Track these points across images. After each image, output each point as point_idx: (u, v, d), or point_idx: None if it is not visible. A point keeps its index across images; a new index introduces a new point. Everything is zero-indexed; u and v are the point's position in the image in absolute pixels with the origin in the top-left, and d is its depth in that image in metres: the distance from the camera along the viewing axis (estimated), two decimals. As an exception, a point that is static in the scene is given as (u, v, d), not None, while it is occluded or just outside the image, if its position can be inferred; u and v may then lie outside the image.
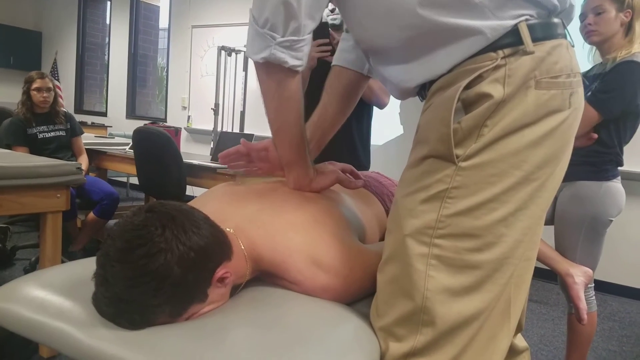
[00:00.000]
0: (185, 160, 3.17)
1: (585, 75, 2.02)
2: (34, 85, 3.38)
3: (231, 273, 0.88)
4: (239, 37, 5.77)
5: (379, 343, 0.91)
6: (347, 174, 1.29)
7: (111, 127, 7.20)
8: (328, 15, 2.12)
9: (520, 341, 1.19)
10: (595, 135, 1.94)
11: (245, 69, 5.47)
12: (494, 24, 0.85)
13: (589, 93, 1.90)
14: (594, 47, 2.05)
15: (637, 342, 3.04)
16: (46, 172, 2.04)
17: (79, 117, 5.62)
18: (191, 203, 1.09)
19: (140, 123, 3.89)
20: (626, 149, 2.01)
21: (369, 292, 1.06)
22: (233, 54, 5.45)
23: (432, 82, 0.93)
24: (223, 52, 5.34)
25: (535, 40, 0.84)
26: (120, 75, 7.36)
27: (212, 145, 5.18)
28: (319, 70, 1.98)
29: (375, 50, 1.02)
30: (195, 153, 4.86)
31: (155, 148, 3.10)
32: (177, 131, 4.01)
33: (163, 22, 7.52)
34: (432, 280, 0.85)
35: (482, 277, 0.85)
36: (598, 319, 3.27)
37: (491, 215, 0.84)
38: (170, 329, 0.81)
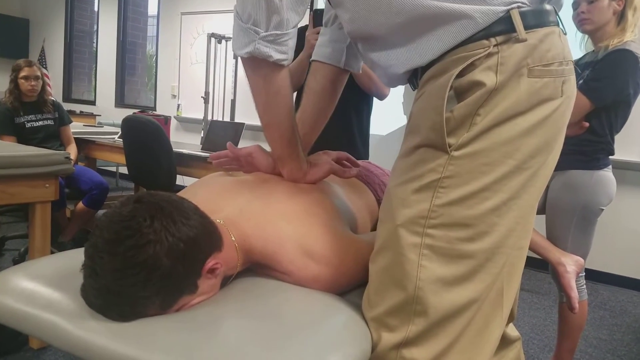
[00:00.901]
0: (175, 149, 3.15)
1: (577, 63, 2.02)
2: (22, 74, 3.33)
3: (221, 264, 0.88)
4: (229, 25, 5.72)
5: (371, 333, 0.91)
6: (344, 162, 1.28)
7: (100, 115, 7.14)
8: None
9: (512, 330, 1.20)
10: (587, 124, 1.94)
11: (235, 56, 5.42)
12: (484, 9, 0.84)
13: (581, 81, 1.90)
14: (586, 36, 2.05)
15: (627, 331, 3.07)
16: (34, 161, 2.02)
17: (67, 106, 5.57)
18: (181, 193, 1.08)
19: (129, 112, 3.85)
20: (617, 137, 2.02)
21: (361, 282, 1.06)
22: (223, 42, 5.41)
23: (424, 70, 0.93)
24: (213, 40, 5.30)
25: (527, 27, 0.84)
26: (109, 63, 7.29)
27: (202, 134, 5.15)
28: None
29: (365, 36, 1.01)
30: (186, 142, 4.83)
31: (145, 137, 3.07)
32: (166, 120, 3.97)
33: (152, 9, 7.44)
34: (424, 270, 0.85)
35: (475, 266, 0.85)
36: (589, 307, 3.31)
37: (484, 205, 0.84)
38: (160, 320, 0.80)
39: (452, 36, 0.86)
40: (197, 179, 1.28)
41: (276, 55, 0.96)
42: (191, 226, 0.82)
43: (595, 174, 1.96)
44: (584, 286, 2.10)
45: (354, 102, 2.26)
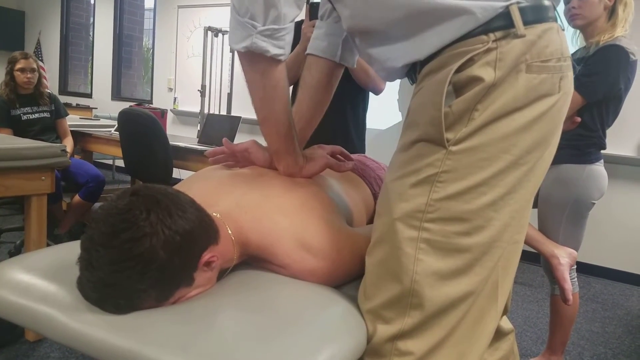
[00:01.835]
0: (171, 142, 3.14)
1: (570, 59, 2.03)
2: (18, 66, 3.32)
3: (218, 257, 0.88)
4: (225, 18, 5.70)
5: (367, 325, 0.92)
6: (338, 156, 1.29)
7: (96, 108, 7.11)
8: None
9: (506, 323, 1.21)
10: (579, 119, 1.95)
11: (232, 50, 5.41)
12: (484, 4, 0.84)
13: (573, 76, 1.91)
14: (578, 31, 2.06)
15: (619, 324, 3.10)
16: (30, 154, 2.01)
17: (63, 99, 5.55)
18: (177, 186, 1.08)
19: (125, 104, 3.86)
20: (609, 132, 2.04)
21: (357, 275, 1.06)
22: (220, 35, 5.39)
23: (422, 64, 0.93)
24: (210, 33, 5.29)
25: (526, 23, 0.84)
26: (105, 56, 7.26)
27: (199, 128, 5.15)
28: None
29: (364, 31, 1.01)
30: (182, 135, 4.83)
31: (141, 130, 3.07)
32: (163, 113, 3.97)
33: (148, 1, 7.41)
34: (421, 264, 0.86)
35: (471, 260, 0.86)
36: (581, 300, 3.34)
37: (480, 199, 0.85)
38: (157, 313, 0.81)
39: (452, 31, 0.86)
40: (193, 172, 1.28)
41: (273, 50, 0.95)
42: (187, 219, 0.83)
43: (587, 168, 1.97)
44: (576, 279, 2.12)
45: (350, 96, 2.27)
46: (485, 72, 0.83)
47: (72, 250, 0.93)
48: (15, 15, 8.01)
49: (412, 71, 0.99)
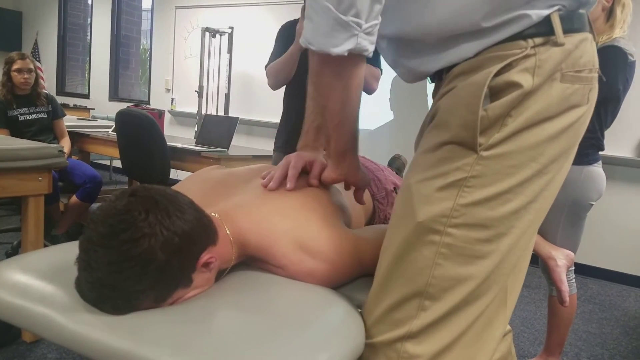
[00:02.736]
0: (169, 143, 3.14)
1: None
2: (15, 66, 3.31)
3: (216, 258, 0.88)
4: (223, 18, 5.70)
5: (374, 325, 0.92)
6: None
7: (94, 109, 7.10)
8: None
9: (503, 324, 1.21)
10: (578, 120, 1.95)
11: (229, 50, 5.42)
12: (534, 12, 0.83)
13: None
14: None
15: (616, 325, 3.10)
16: (27, 154, 2.01)
17: (60, 99, 5.53)
18: (175, 187, 1.08)
19: (123, 105, 3.85)
20: (607, 133, 2.04)
21: (356, 277, 1.06)
22: (217, 36, 5.39)
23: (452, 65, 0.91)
24: (207, 34, 5.29)
25: (565, 31, 0.83)
26: (102, 56, 7.25)
27: (196, 129, 5.15)
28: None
29: (400, 40, 0.98)
30: (180, 136, 4.82)
31: (139, 131, 3.06)
32: (160, 114, 3.96)
33: (146, 2, 7.39)
34: (439, 268, 0.85)
35: (488, 267, 0.86)
36: (579, 301, 3.35)
37: (505, 207, 0.84)
38: (155, 313, 0.81)
39: (493, 38, 0.85)
40: (191, 173, 1.28)
41: (371, 48, 0.87)
42: (186, 220, 0.83)
43: (585, 170, 1.98)
44: (574, 280, 2.12)
45: None
46: (523, 78, 0.82)
47: (69, 251, 0.92)
48: (13, 15, 7.99)
49: (437, 71, 0.97)
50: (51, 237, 3.28)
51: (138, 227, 0.77)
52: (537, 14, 0.82)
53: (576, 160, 1.94)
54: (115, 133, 3.38)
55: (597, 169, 2.01)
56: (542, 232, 2.07)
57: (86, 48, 7.76)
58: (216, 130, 3.50)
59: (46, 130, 3.49)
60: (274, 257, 0.99)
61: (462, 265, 0.85)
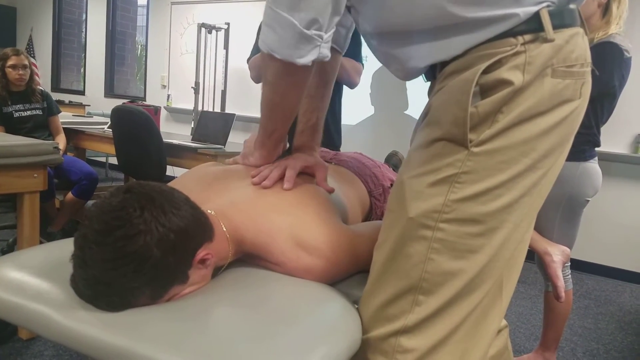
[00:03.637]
0: (165, 140, 3.13)
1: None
2: (9, 63, 3.30)
3: (212, 255, 0.88)
4: (219, 14, 5.69)
5: (369, 320, 0.92)
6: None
7: (89, 105, 7.08)
8: None
9: (500, 319, 1.21)
10: (574, 116, 1.95)
11: (226, 46, 5.40)
12: (525, 9, 0.83)
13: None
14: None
15: (612, 320, 3.12)
16: (23, 151, 2.00)
17: (56, 96, 5.52)
18: (171, 183, 1.08)
19: (118, 102, 3.83)
20: (602, 129, 2.04)
21: (353, 273, 1.06)
22: (213, 31, 5.38)
23: (444, 64, 0.92)
24: (203, 30, 5.27)
25: (555, 27, 0.83)
26: (98, 52, 7.22)
27: (192, 125, 5.13)
28: None
29: (387, 32, 0.99)
30: (176, 133, 4.81)
31: (135, 127, 3.05)
32: (156, 110, 3.95)
33: (142, -2, 7.38)
34: (431, 263, 0.86)
35: (481, 261, 0.86)
36: (574, 297, 3.36)
37: (497, 202, 0.85)
38: (151, 310, 0.81)
39: (483, 35, 0.85)
40: (187, 170, 1.27)
41: (329, 53, 0.95)
42: (182, 217, 0.82)
43: (581, 166, 1.98)
44: (569, 276, 2.13)
45: None
46: (514, 75, 0.82)
47: (65, 248, 0.92)
48: (7, 11, 7.95)
49: (430, 69, 0.98)
50: (47, 234, 3.27)
51: (133, 223, 0.76)
52: (524, 11, 0.83)
53: (572, 157, 1.97)
54: (110, 130, 3.37)
55: (593, 165, 2.01)
56: (539, 228, 2.07)
57: (81, 44, 7.73)
58: (213, 127, 3.49)
59: (41, 127, 3.47)
60: (271, 254, 0.99)
61: (455, 259, 0.86)
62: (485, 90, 0.84)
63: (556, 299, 1.94)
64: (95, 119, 4.71)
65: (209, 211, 0.94)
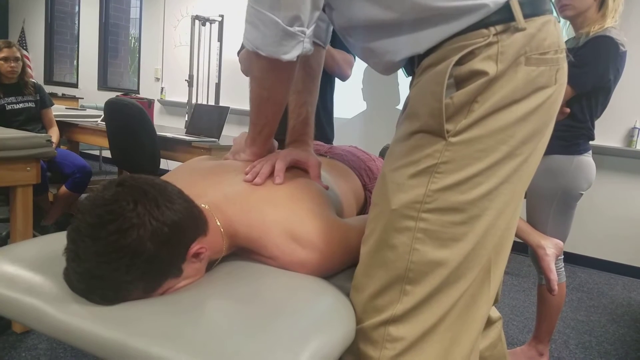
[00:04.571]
0: (159, 133, 3.12)
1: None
2: (1, 55, 3.27)
3: (206, 248, 0.88)
4: (213, 6, 5.65)
5: (358, 312, 0.93)
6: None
7: (82, 98, 7.04)
8: None
9: (494, 312, 1.23)
10: (568, 110, 1.96)
11: (220, 39, 5.38)
12: (492, 1, 0.85)
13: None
14: (568, 21, 2.07)
15: (604, 312, 3.14)
16: (15, 144, 1.99)
17: (49, 89, 5.49)
18: (164, 177, 1.07)
19: (112, 94, 3.81)
20: (597, 123, 2.05)
21: (347, 266, 1.07)
22: (207, 24, 5.35)
23: (420, 58, 0.93)
24: (197, 22, 5.24)
25: (525, 16, 0.85)
26: (91, 45, 7.17)
27: (186, 118, 5.11)
28: None
29: (362, 26, 1.00)
30: (170, 126, 4.80)
31: (128, 120, 3.04)
32: (150, 103, 3.93)
33: (135, -10, 7.33)
34: (416, 253, 0.87)
35: (466, 249, 0.87)
36: (567, 290, 3.38)
37: (477, 190, 0.86)
38: (145, 304, 0.80)
39: (454, 26, 0.87)
40: (181, 163, 1.27)
41: (311, 47, 0.97)
42: (175, 210, 0.82)
43: (576, 159, 1.99)
44: (563, 269, 2.14)
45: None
46: (487, 65, 0.84)
47: (58, 241, 0.92)
48: (-1, 3, 7.89)
49: (409, 64, 0.99)
50: (40, 228, 3.25)
51: (126, 217, 0.76)
52: (494, 2, 0.85)
53: (566, 150, 1.98)
54: (104, 123, 3.35)
55: (588, 158, 2.02)
56: (532, 221, 2.08)
57: (74, 36, 7.67)
58: (207, 120, 3.48)
59: (34, 119, 3.45)
60: (265, 248, 0.99)
61: (439, 248, 0.87)
62: (460, 82, 0.86)
63: (549, 291, 1.95)
64: (89, 111, 4.68)
65: (202, 205, 0.93)
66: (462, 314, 0.90)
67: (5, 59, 3.28)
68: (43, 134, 2.16)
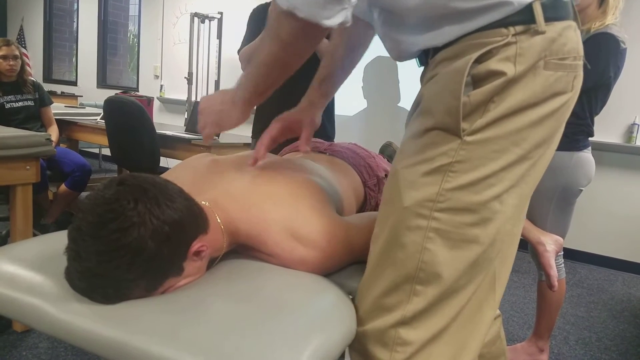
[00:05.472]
0: (158, 130, 3.12)
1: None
2: (0, 53, 3.27)
3: (207, 246, 0.88)
4: (212, 3, 5.64)
5: (367, 311, 0.92)
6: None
7: (82, 96, 7.03)
8: None
9: (493, 309, 1.22)
10: (568, 107, 1.96)
11: (219, 36, 5.37)
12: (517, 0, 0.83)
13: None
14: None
15: (604, 308, 3.14)
16: (14, 143, 1.99)
17: (48, 87, 5.48)
18: (164, 175, 1.07)
19: (111, 92, 3.81)
20: (596, 119, 2.05)
21: (347, 264, 1.07)
22: (206, 21, 5.34)
23: (435, 50, 0.92)
24: (196, 19, 5.22)
25: (547, 20, 0.83)
26: (90, 43, 7.16)
27: (186, 116, 5.11)
28: None
29: (387, 11, 0.98)
30: (169, 124, 4.79)
31: (128, 118, 3.04)
32: (149, 101, 3.92)
33: (134, -13, 7.31)
34: (428, 253, 0.86)
35: (477, 251, 0.86)
36: (567, 286, 3.38)
37: (488, 191, 0.85)
38: (146, 303, 0.81)
39: (477, 23, 0.85)
40: (180, 161, 1.27)
41: (351, 18, 0.89)
42: (176, 209, 0.82)
43: (575, 156, 1.99)
44: (562, 265, 2.14)
45: None
46: (505, 66, 0.82)
47: (59, 240, 0.92)
48: (-3, 1, 7.87)
49: (423, 54, 0.97)
50: (40, 226, 3.25)
51: (127, 216, 0.76)
52: (519, 1, 0.83)
53: (566, 146, 1.98)
54: (103, 121, 3.35)
55: (587, 154, 2.02)
56: (532, 217, 2.08)
57: (73, 34, 7.66)
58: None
59: (33, 118, 3.45)
60: (265, 245, 0.99)
61: (451, 249, 0.86)
62: (477, 81, 0.84)
63: (549, 288, 1.95)
64: (88, 110, 4.68)
65: (203, 203, 0.94)
66: (469, 317, 0.89)
67: (4, 58, 3.27)
68: (42, 133, 2.16)
